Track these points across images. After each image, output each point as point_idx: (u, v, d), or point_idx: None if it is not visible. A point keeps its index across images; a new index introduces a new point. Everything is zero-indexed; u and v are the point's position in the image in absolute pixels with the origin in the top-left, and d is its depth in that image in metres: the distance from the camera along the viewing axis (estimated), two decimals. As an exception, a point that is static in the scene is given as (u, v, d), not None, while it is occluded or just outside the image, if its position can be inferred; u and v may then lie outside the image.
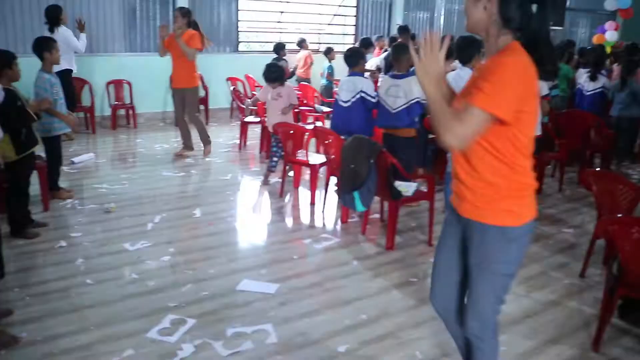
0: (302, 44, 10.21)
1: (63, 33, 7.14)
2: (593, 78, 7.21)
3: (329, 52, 9.60)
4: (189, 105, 6.86)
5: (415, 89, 4.93)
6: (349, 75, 5.50)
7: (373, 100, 5.28)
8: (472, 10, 1.98)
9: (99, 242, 4.30)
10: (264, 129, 7.11)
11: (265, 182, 5.98)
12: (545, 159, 5.87)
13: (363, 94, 5.29)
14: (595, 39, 14.18)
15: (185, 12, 6.65)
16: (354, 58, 5.47)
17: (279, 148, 5.81)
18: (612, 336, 3.24)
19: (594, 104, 7.21)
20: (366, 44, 9.44)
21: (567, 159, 6.38)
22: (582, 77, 7.50)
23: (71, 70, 7.41)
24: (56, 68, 7.04)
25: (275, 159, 5.93)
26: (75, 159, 6.55)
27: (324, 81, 9.52)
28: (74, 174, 6.09)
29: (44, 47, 4.96)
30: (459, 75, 4.70)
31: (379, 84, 5.71)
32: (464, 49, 4.68)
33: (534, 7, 1.95)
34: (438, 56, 1.89)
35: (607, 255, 4.03)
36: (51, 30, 7.03)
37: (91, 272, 3.78)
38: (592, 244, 4.01)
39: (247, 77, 9.39)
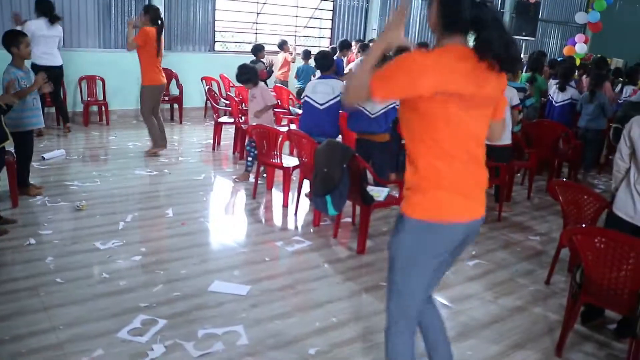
0: (282, 46, 10.21)
1: (58, 29, 7.16)
2: (562, 89, 7.39)
3: (306, 56, 9.62)
4: (140, 103, 6.91)
5: None
6: (322, 78, 5.53)
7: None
8: (429, 13, 2.13)
9: (69, 240, 4.26)
10: (238, 129, 7.13)
11: (237, 179, 6.09)
12: (515, 167, 6.00)
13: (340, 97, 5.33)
14: (565, 51, 14.52)
15: (146, 10, 6.71)
16: (326, 61, 5.50)
17: (253, 148, 5.86)
18: (574, 342, 3.34)
19: (563, 114, 7.40)
20: (343, 46, 9.49)
21: (537, 168, 6.54)
22: (552, 88, 7.69)
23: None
24: (54, 62, 7.19)
25: (250, 158, 6.00)
26: (46, 155, 6.47)
27: (299, 84, 9.56)
28: (44, 170, 6.02)
29: (11, 42, 4.89)
30: None
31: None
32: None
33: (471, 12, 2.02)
34: (400, 28, 2.05)
35: (571, 263, 4.16)
36: (51, 22, 7.22)
37: (61, 271, 3.74)
38: (557, 252, 4.13)
39: (222, 77, 9.36)
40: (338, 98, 5.34)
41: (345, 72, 9.12)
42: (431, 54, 2.00)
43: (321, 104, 5.40)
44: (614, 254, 2.88)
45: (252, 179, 5.94)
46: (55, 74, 7.09)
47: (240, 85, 6.01)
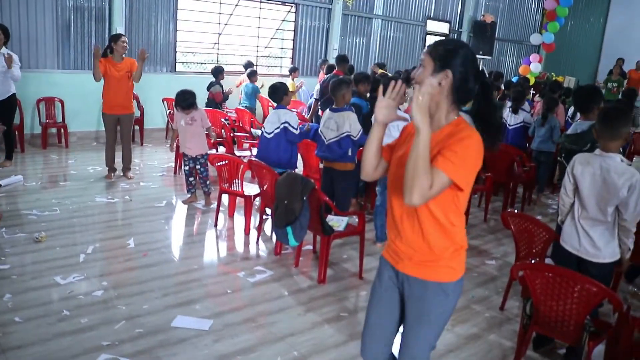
0: (248, 67, 10.27)
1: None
2: (515, 112, 7.66)
3: (252, 75, 9.68)
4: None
5: (347, 124, 5.12)
6: (276, 108, 5.63)
7: (295, 132, 5.43)
8: (430, 84, 2.09)
9: (28, 275, 4.21)
10: (178, 151, 7.17)
11: (185, 203, 6.25)
12: (471, 190, 6.17)
13: (286, 125, 5.41)
14: (521, 70, 15.00)
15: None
16: (278, 94, 5.58)
17: (191, 169, 6.13)
18: (526, 369, 3.49)
19: (516, 137, 7.67)
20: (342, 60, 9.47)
21: (492, 190, 6.76)
22: (506, 111, 7.94)
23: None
24: (8, 92, 6.93)
25: (191, 179, 6.21)
26: (3, 182, 6.37)
27: (246, 103, 9.57)
28: (1, 198, 5.93)
29: None
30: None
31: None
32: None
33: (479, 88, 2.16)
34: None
35: (524, 290, 4.32)
36: None
37: (20, 309, 3.70)
38: (509, 282, 4.28)
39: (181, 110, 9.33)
40: (281, 127, 5.41)
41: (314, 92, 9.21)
42: (475, 131, 2.07)
43: (269, 133, 5.49)
44: (560, 287, 3.04)
45: (213, 204, 5.99)
46: (4, 107, 6.98)
47: (181, 110, 6.04)
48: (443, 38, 2.23)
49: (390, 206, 2.30)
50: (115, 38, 6.73)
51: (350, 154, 5.19)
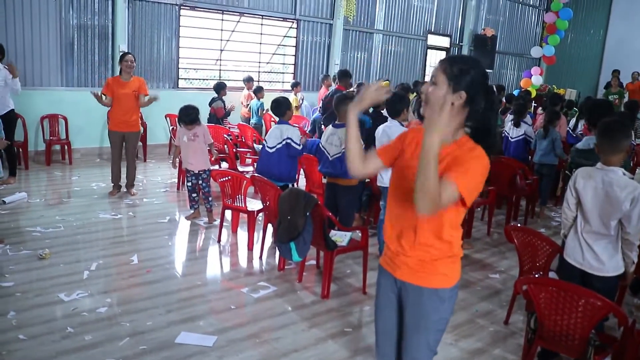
0: (247, 82, 10.37)
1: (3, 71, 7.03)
2: (517, 125, 7.69)
3: (258, 91, 9.79)
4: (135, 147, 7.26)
5: None
6: (278, 123, 5.67)
7: (298, 147, 5.48)
8: (443, 109, 2.08)
9: (32, 293, 4.22)
10: (181, 167, 7.17)
11: (188, 219, 6.27)
12: (474, 204, 6.18)
13: (289, 141, 5.45)
14: (522, 83, 15.06)
15: None
16: (280, 108, 5.61)
17: (193, 185, 6.16)
18: (531, 384, 3.47)
19: (518, 149, 7.69)
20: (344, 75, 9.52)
21: (495, 203, 6.76)
22: (508, 124, 7.97)
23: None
24: (6, 109, 6.98)
25: (194, 195, 6.21)
26: (7, 199, 6.39)
27: (254, 119, 9.68)
28: (5, 215, 5.95)
29: None
30: (389, 127, 4.97)
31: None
32: (394, 104, 4.96)
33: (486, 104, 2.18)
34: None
35: (528, 304, 4.30)
36: None
37: (24, 327, 3.71)
38: (514, 295, 4.27)
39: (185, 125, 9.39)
40: (284, 142, 5.45)
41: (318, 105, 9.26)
42: (483, 151, 2.12)
43: (270, 148, 5.52)
44: (564, 302, 3.03)
45: (216, 221, 6.00)
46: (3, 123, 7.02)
47: (183, 125, 6.09)
48: (457, 55, 2.23)
49: (389, 215, 2.34)
50: (121, 57, 6.86)
51: None
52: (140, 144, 9.43)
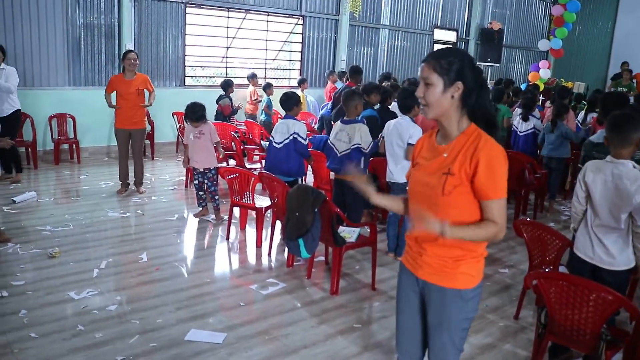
0: (251, 79, 10.37)
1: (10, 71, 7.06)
2: (525, 119, 7.64)
3: (267, 88, 9.80)
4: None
5: (357, 136, 5.14)
6: (284, 118, 5.67)
7: (304, 142, 5.48)
8: (442, 102, 2.15)
9: (43, 291, 4.24)
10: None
11: (196, 216, 6.27)
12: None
13: (295, 136, 5.45)
14: (530, 77, 14.96)
15: None
16: (289, 102, 5.60)
17: (200, 182, 6.17)
18: (542, 379, 3.46)
19: (526, 143, 7.64)
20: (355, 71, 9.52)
21: (503, 198, 6.71)
22: (516, 118, 7.92)
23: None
24: (10, 109, 7.02)
25: (201, 192, 6.22)
26: (17, 198, 6.43)
27: (263, 116, 9.69)
28: (15, 215, 5.99)
29: None
30: (400, 123, 4.95)
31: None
32: (404, 100, 4.94)
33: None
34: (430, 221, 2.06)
35: (538, 299, 4.29)
36: None
37: (35, 325, 3.73)
38: (523, 290, 4.25)
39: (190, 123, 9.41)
40: (291, 137, 5.45)
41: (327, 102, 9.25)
42: (489, 139, 2.15)
43: (278, 143, 5.52)
44: (575, 296, 3.01)
45: (224, 217, 6.01)
46: (6, 124, 7.03)
47: (190, 123, 6.09)
48: (438, 50, 2.22)
49: (410, 213, 2.33)
50: (124, 55, 6.87)
51: (362, 165, 5.20)
52: (147, 142, 9.48)
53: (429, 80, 2.15)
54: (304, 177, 5.73)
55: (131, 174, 7.15)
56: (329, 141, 5.46)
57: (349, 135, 5.22)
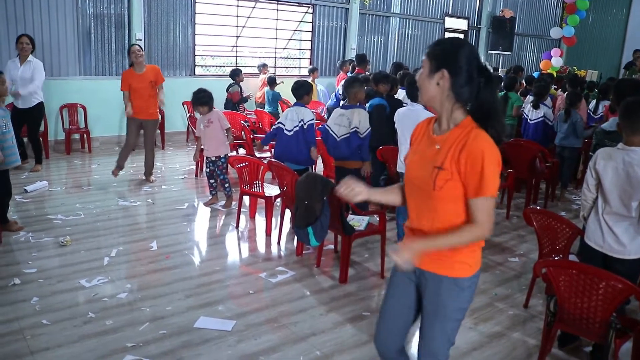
0: (261, 68, 10.36)
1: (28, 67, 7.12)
2: (536, 107, 7.57)
3: (272, 82, 9.75)
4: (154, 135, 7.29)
5: (356, 120, 5.17)
6: (294, 106, 5.68)
7: (310, 129, 5.52)
8: (427, 86, 2.15)
9: (54, 279, 4.28)
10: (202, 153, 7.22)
11: (206, 205, 6.31)
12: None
13: (303, 123, 5.49)
14: (542, 65, 14.81)
15: None
16: (300, 91, 5.62)
17: (212, 171, 6.22)
18: (551, 367, 3.45)
19: (537, 132, 7.57)
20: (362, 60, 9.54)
21: (515, 186, 6.69)
22: (527, 106, 7.86)
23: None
24: (34, 101, 7.09)
25: (212, 181, 6.28)
26: (29, 188, 6.49)
27: (269, 108, 9.66)
28: (27, 204, 6.04)
29: None
30: (411, 110, 4.92)
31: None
32: (415, 89, 4.91)
33: (482, 82, 2.12)
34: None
35: (548, 288, 4.27)
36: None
37: (47, 312, 3.77)
38: (533, 279, 4.24)
39: (196, 108, 9.42)
40: (300, 124, 5.47)
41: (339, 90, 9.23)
42: (484, 134, 2.10)
43: (289, 131, 5.53)
44: (584, 284, 3.00)
45: (234, 205, 6.03)
46: (30, 115, 7.17)
47: (196, 107, 6.13)
48: (443, 38, 2.25)
49: (408, 204, 2.32)
50: (128, 50, 6.87)
51: (360, 152, 5.25)
52: (158, 131, 9.52)
53: (423, 64, 2.18)
54: (313, 166, 5.73)
55: (141, 163, 7.17)
56: (326, 125, 5.48)
57: (349, 120, 5.24)
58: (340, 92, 9.10)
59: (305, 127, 5.45)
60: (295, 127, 5.48)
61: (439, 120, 2.22)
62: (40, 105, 7.33)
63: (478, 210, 2.07)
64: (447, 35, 14.67)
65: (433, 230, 2.21)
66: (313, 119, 5.52)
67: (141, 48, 6.87)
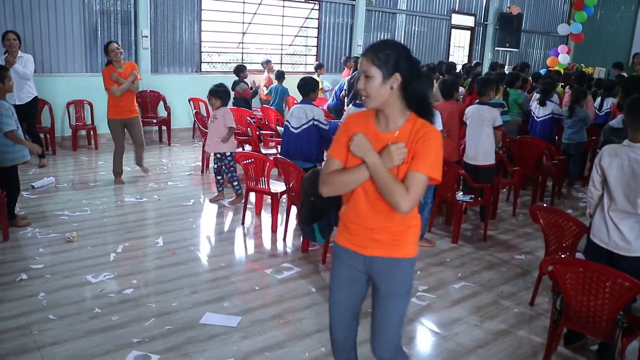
0: (265, 64, 10.36)
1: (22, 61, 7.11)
2: (542, 104, 7.52)
3: (280, 76, 9.75)
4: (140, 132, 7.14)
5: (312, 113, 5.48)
6: (301, 103, 5.70)
7: (326, 127, 5.55)
8: (381, 92, 2.22)
9: (61, 274, 4.30)
10: (204, 150, 7.25)
11: (213, 200, 6.32)
12: (499, 184, 6.12)
13: (316, 122, 5.51)
14: (549, 62, 14.74)
15: None
16: (306, 88, 5.64)
17: (218, 167, 6.24)
18: (557, 365, 3.44)
19: (544, 129, 7.52)
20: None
21: (521, 183, 6.66)
22: (534, 103, 7.82)
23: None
24: (30, 96, 7.12)
25: (219, 177, 6.30)
26: (36, 184, 6.51)
27: (275, 105, 9.64)
28: (34, 200, 6.07)
29: None
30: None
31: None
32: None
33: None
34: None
35: (554, 285, 4.25)
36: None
37: (54, 307, 3.79)
38: (539, 277, 4.22)
39: (209, 98, 9.43)
40: (310, 123, 5.51)
41: (344, 85, 9.26)
42: (432, 125, 2.29)
43: (295, 128, 5.54)
44: (591, 282, 2.99)
45: (239, 202, 6.04)
46: (28, 111, 7.18)
47: (210, 97, 6.17)
48: (376, 43, 2.28)
49: (355, 201, 2.35)
50: (105, 48, 6.68)
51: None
52: (164, 128, 9.55)
53: (369, 73, 2.22)
54: (320, 163, 5.74)
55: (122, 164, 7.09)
56: (339, 122, 5.53)
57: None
58: (342, 90, 9.14)
59: (321, 125, 5.50)
60: (304, 124, 5.49)
61: (383, 120, 2.31)
62: (36, 100, 7.38)
63: (413, 180, 2.18)
64: (454, 32, 14.64)
65: (384, 222, 2.31)
66: (323, 119, 5.54)
67: (119, 46, 6.71)
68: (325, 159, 5.57)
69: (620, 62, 13.36)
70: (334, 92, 9.79)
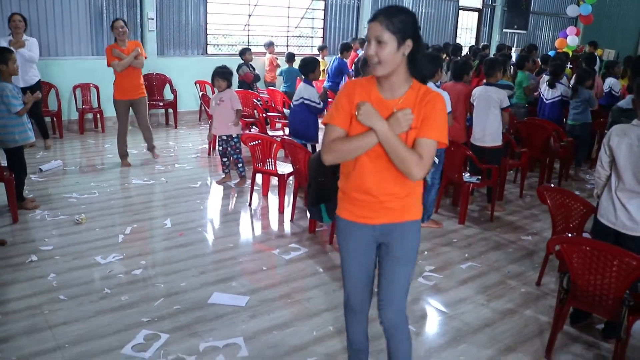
0: (268, 47, 10.32)
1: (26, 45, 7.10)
2: (552, 86, 7.47)
3: (290, 58, 9.73)
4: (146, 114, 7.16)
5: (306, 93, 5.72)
6: (302, 82, 5.92)
7: (318, 106, 5.72)
8: (394, 59, 2.20)
9: (70, 256, 4.34)
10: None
11: (219, 183, 6.37)
12: (507, 166, 6.11)
13: (306, 101, 5.70)
14: (557, 43, 14.59)
15: None
16: (306, 68, 5.79)
17: (224, 149, 6.26)
18: (563, 343, 3.46)
19: (553, 111, 7.46)
20: (344, 48, 9.67)
21: (529, 165, 6.64)
22: (543, 85, 7.76)
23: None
24: (34, 79, 7.13)
25: (224, 159, 6.33)
26: (43, 167, 6.54)
27: (282, 88, 9.64)
28: (42, 182, 6.10)
29: (0, 60, 4.90)
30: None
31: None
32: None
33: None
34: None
35: (561, 265, 4.26)
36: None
37: (64, 288, 3.83)
38: (546, 256, 4.23)
39: (215, 79, 9.41)
40: (300, 101, 5.75)
41: (350, 70, 9.29)
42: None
43: (294, 106, 5.83)
44: (598, 261, 2.99)
45: (248, 183, 6.06)
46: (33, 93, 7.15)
47: (216, 79, 6.14)
48: (390, 7, 2.23)
49: (360, 170, 2.34)
50: (112, 25, 6.67)
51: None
52: (170, 110, 9.55)
53: (382, 39, 2.18)
54: (310, 144, 5.86)
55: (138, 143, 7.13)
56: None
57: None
58: (334, 70, 9.23)
59: (311, 103, 5.72)
60: (296, 102, 5.77)
61: (387, 87, 2.29)
62: (40, 82, 7.37)
63: (424, 147, 2.22)
64: (462, 13, 14.50)
65: (395, 188, 2.34)
66: (314, 97, 5.67)
67: (126, 24, 6.69)
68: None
69: (595, 40, 13.27)
70: (326, 73, 9.80)
